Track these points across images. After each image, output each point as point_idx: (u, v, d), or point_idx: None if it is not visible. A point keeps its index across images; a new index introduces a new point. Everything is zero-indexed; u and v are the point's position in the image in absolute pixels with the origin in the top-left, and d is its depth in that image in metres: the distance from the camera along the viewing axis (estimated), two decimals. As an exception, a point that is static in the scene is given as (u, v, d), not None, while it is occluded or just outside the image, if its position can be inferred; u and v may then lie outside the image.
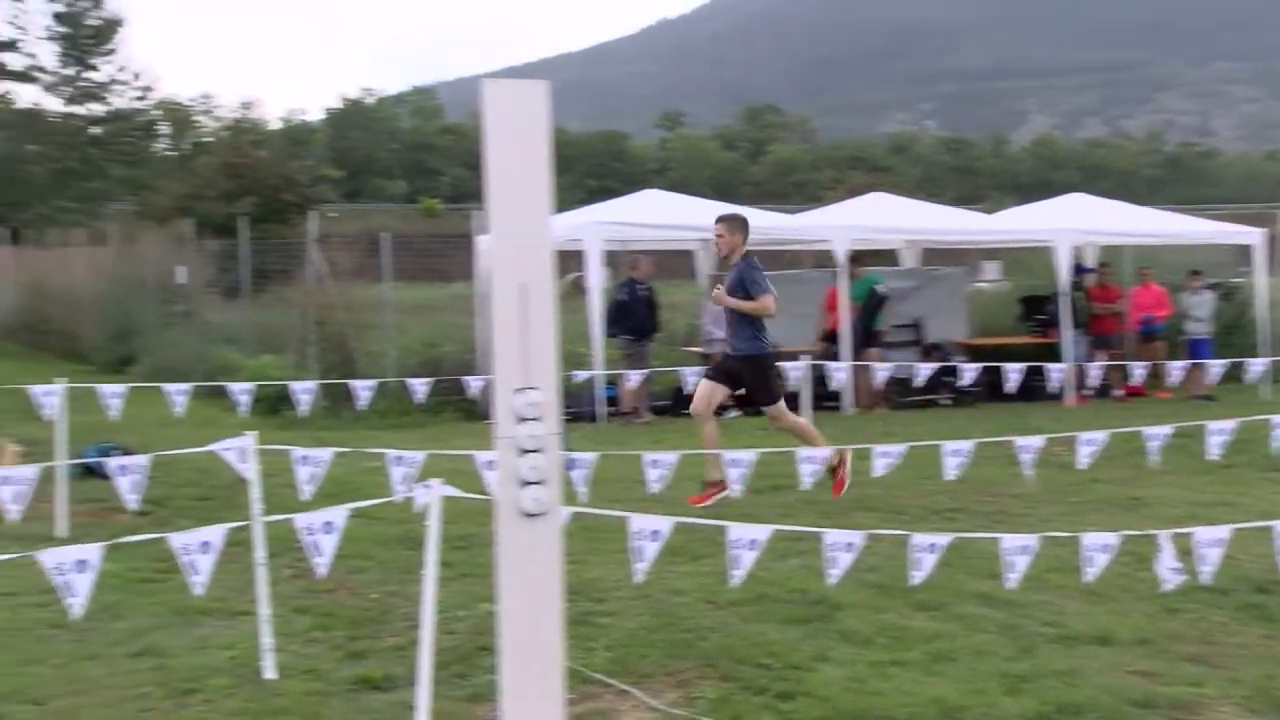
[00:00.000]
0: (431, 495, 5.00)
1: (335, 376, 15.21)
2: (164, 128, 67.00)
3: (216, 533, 5.31)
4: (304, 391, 10.74)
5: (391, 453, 6.68)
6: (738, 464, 7.52)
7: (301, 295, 19.02)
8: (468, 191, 77.81)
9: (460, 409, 16.52)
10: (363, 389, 10.74)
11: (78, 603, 4.96)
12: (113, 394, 10.19)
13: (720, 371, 10.58)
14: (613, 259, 18.37)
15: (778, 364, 10.94)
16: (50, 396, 9.66)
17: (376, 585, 7.66)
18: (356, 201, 77.46)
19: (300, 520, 5.44)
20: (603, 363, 16.47)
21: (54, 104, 55.92)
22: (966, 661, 6.13)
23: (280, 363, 17.57)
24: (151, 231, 26.30)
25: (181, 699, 5.72)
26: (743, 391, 10.67)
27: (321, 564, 5.42)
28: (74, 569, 4.95)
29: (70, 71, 54.25)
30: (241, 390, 10.67)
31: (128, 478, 6.79)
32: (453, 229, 27.66)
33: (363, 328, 18.47)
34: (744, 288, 10.20)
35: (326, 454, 6.66)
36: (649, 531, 5.28)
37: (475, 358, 17.36)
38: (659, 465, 7.56)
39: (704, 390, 10.44)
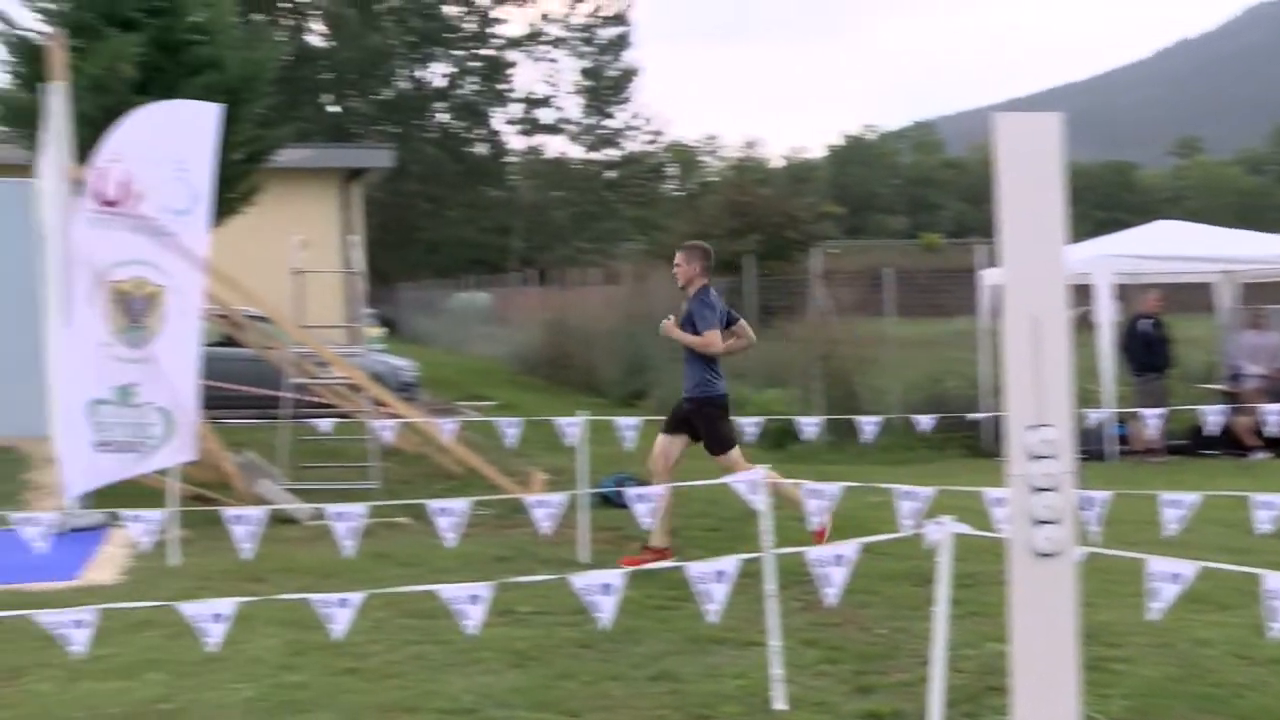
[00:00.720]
0: (943, 532, 4.96)
1: (838, 411, 15.35)
2: (672, 169, 70.11)
3: (730, 563, 5.47)
4: (810, 425, 10.88)
5: (900, 488, 6.66)
6: (1270, 506, 7.00)
7: (805, 330, 19.30)
8: (969, 225, 76.87)
9: (964, 445, 16.33)
10: (868, 424, 10.77)
11: (604, 617, 5.23)
12: (627, 426, 10.67)
13: (674, 420, 9.75)
14: (1123, 293, 17.64)
15: (727, 408, 9.84)
16: (572, 428, 10.24)
17: (883, 620, 7.66)
18: (857, 237, 78.06)
19: (811, 553, 5.51)
20: (1113, 400, 15.85)
21: (575, 152, 59.83)
22: None
23: (785, 397, 17.89)
24: (661, 269, 27.37)
25: (696, 723, 5.93)
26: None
27: (831, 594, 5.48)
28: (599, 591, 5.23)
29: (590, 121, 57.86)
30: (749, 423, 10.94)
31: (645, 505, 7.10)
32: (954, 263, 27.37)
33: (865, 363, 18.55)
34: (692, 323, 9.53)
35: (834, 488, 6.72)
36: (1168, 574, 5.02)
37: (979, 394, 17.11)
38: (1178, 506, 7.17)
39: (660, 445, 9.66)
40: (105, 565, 9.45)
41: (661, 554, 9.17)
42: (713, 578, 5.45)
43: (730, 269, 25.32)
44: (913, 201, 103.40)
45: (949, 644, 5.05)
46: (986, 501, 6.67)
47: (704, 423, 9.60)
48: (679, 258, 9.75)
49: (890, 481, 7.55)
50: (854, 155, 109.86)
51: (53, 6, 14.43)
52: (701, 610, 5.51)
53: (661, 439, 9.72)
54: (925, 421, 11.53)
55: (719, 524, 10.89)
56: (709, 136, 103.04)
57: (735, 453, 9.62)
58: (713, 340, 9.48)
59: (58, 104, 10.93)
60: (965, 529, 5.08)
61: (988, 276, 17.59)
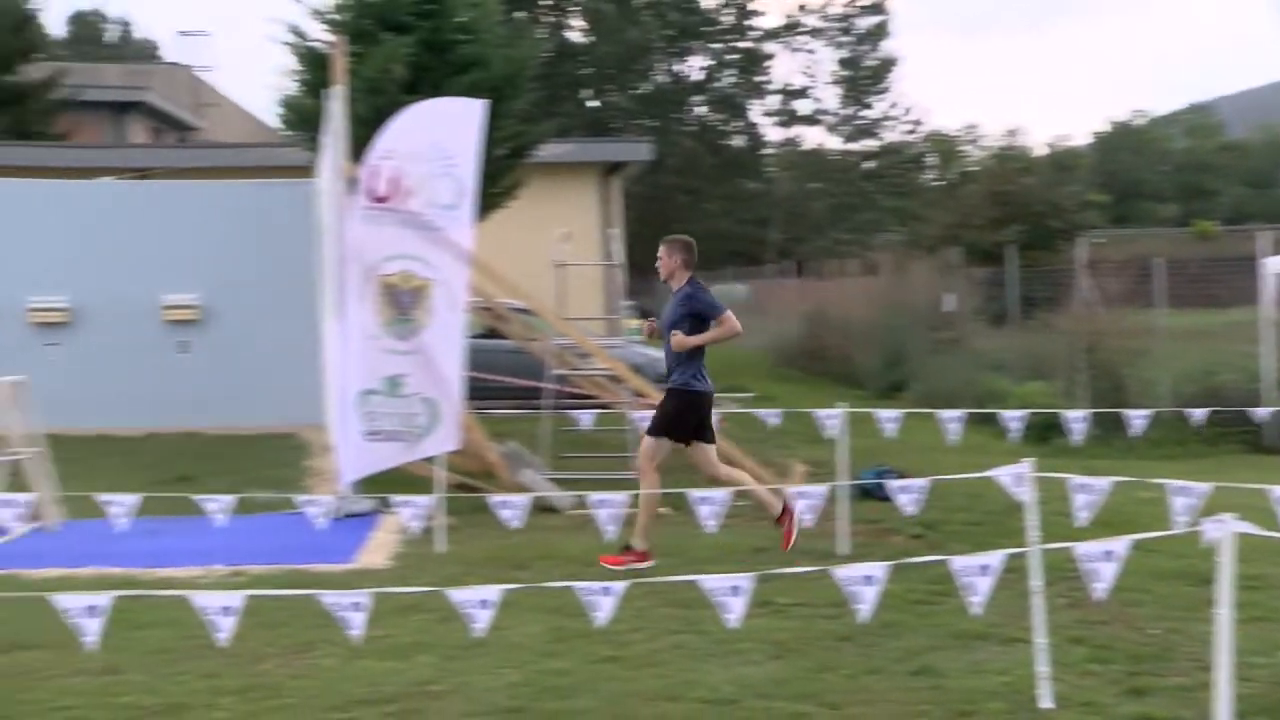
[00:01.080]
0: (1223, 530, 4.74)
1: (1104, 404, 14.87)
2: (931, 159, 68.98)
3: (995, 557, 5.35)
4: (1076, 419, 10.57)
5: (1173, 483, 6.39)
6: None
7: (1070, 322, 18.78)
8: (1249, 212, 73.38)
9: (1242, 441, 15.62)
10: (1137, 418, 10.39)
11: (864, 610, 5.18)
12: (888, 418, 10.55)
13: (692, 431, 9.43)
14: None
15: (697, 406, 9.35)
16: (832, 420, 10.17)
17: (1155, 620, 7.39)
18: (1124, 226, 75.44)
19: (1080, 548, 5.35)
20: None
21: (833, 143, 59.45)
22: None
23: (1048, 389, 17.45)
24: (920, 260, 26.99)
25: (958, 720, 5.82)
26: None
27: (1100, 589, 5.30)
28: (860, 583, 5.18)
29: (848, 111, 57.44)
30: (1012, 417, 10.69)
31: (908, 497, 7.01)
32: (1231, 251, 26.22)
33: (1134, 355, 17.94)
34: (696, 314, 9.22)
35: (1104, 482, 6.49)
36: None
37: (1260, 387, 16.35)
38: None
39: (694, 455, 9.47)
40: (377, 550, 9.81)
41: (642, 557, 9.05)
42: (976, 571, 5.35)
43: (992, 259, 24.81)
44: (1185, 188, 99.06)
45: (1234, 650, 4.82)
46: (1272, 500, 6.35)
47: (669, 405, 9.45)
48: (662, 251, 9.69)
49: (1161, 477, 7.25)
50: (1121, 142, 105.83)
51: (337, 16, 15.06)
52: (965, 603, 5.40)
53: (690, 449, 9.56)
54: (1199, 415, 11.06)
55: (981, 518, 10.68)
56: (969, 125, 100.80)
57: (663, 447, 9.35)
58: (734, 320, 9.35)
59: (337, 106, 11.38)
60: (1249, 528, 4.84)
61: (1272, 264, 16.78)
